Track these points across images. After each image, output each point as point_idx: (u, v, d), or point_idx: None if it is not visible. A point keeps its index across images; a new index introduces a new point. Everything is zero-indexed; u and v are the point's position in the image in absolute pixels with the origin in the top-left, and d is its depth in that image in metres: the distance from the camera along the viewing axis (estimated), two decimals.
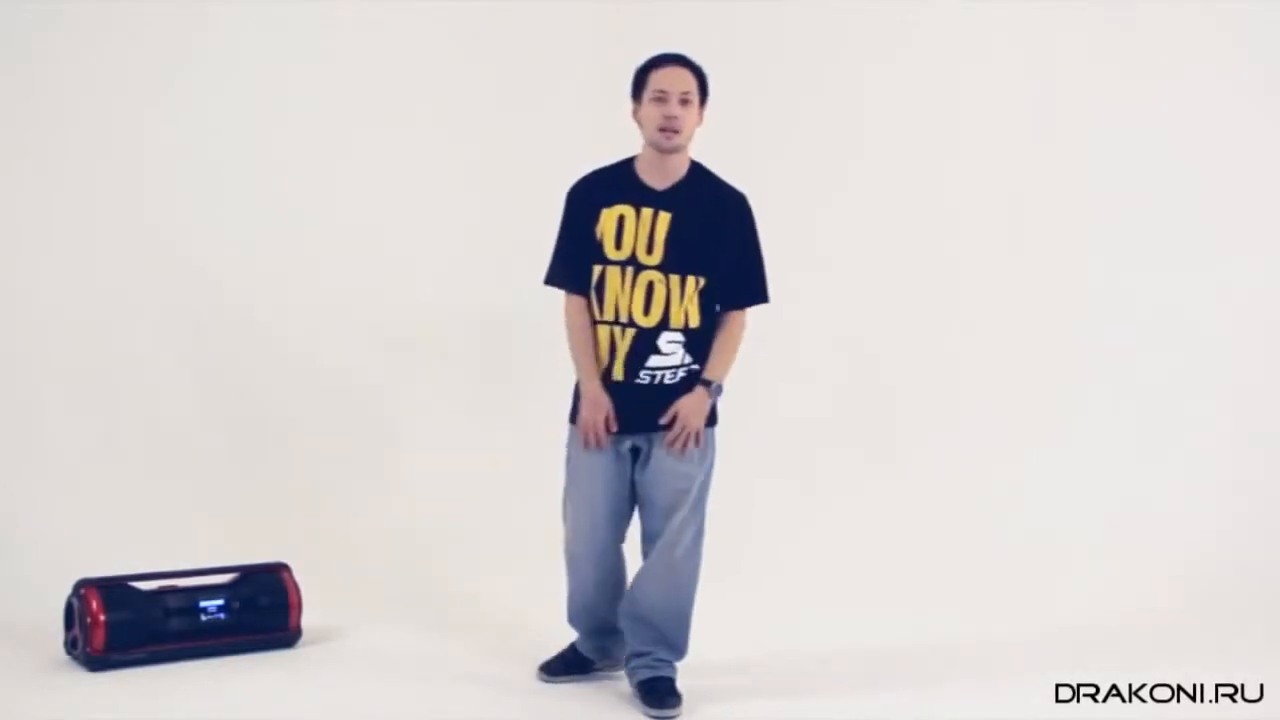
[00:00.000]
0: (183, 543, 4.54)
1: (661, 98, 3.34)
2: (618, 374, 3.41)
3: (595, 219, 3.41)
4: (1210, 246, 5.11)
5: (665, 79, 3.35)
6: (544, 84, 5.47)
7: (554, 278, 3.51)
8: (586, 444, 3.45)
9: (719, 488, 5.10)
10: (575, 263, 3.44)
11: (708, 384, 3.42)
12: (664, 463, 3.44)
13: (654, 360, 3.39)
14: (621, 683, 3.65)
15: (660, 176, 3.41)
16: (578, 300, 3.46)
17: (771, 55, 5.47)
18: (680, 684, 3.53)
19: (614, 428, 3.42)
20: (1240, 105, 5.08)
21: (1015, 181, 5.29)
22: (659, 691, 3.46)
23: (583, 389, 3.47)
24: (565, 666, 3.70)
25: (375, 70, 5.37)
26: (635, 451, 3.49)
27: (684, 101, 3.34)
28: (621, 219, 3.39)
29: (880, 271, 5.39)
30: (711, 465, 3.54)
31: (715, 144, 5.45)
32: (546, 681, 3.68)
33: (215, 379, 5.14)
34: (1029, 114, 5.28)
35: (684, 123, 3.34)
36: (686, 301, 3.38)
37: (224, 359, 5.15)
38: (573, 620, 3.70)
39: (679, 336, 3.40)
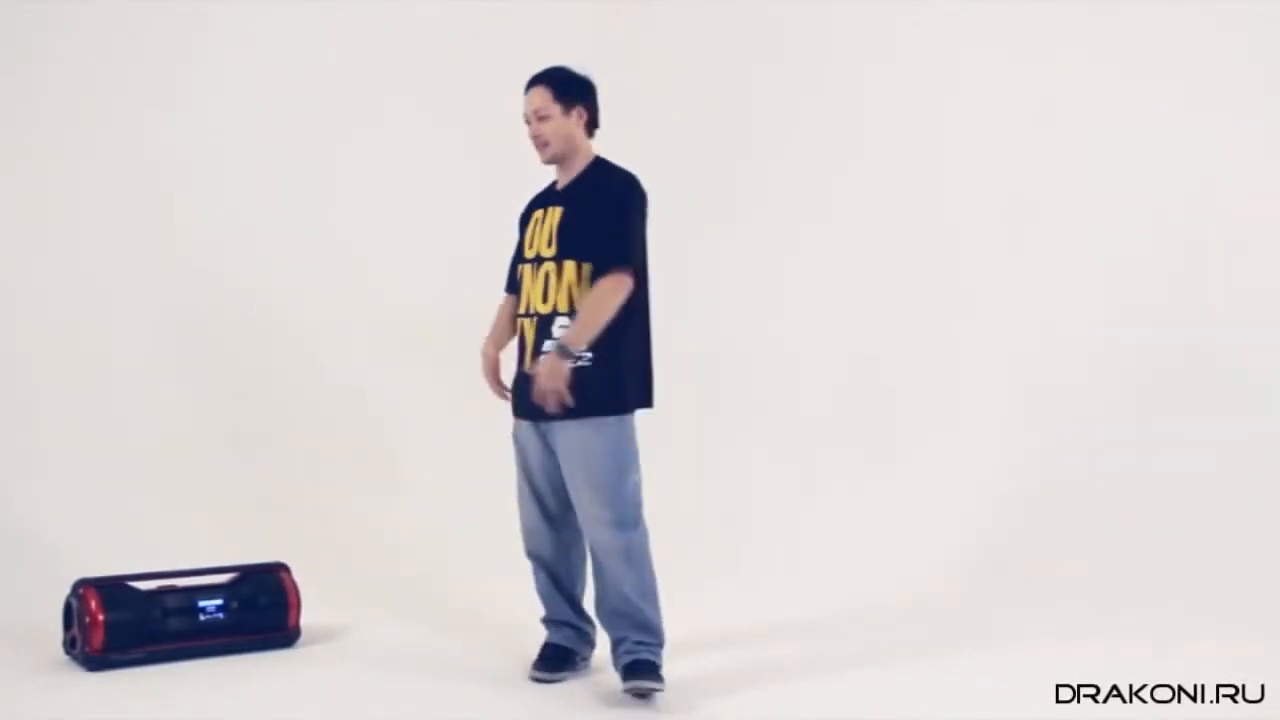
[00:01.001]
0: (182, 543, 4.54)
1: (525, 121, 3.66)
2: (527, 362, 3.62)
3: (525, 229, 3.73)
4: (1210, 246, 5.10)
5: (523, 106, 3.65)
6: None
7: (507, 286, 3.87)
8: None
9: (720, 486, 5.13)
10: (512, 269, 3.82)
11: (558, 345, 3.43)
12: (560, 447, 3.56)
13: (548, 345, 3.52)
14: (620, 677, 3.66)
15: (564, 179, 3.70)
16: (509, 297, 3.84)
17: (771, 55, 5.47)
18: (665, 670, 3.55)
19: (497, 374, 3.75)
20: (1240, 105, 5.08)
21: (1015, 182, 5.29)
22: (639, 669, 3.51)
23: None
24: (550, 665, 3.73)
25: (375, 72, 5.38)
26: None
27: (541, 118, 3.60)
28: (536, 222, 3.67)
29: (880, 271, 5.38)
30: (620, 454, 3.53)
31: (715, 144, 5.49)
32: (541, 682, 3.69)
33: (215, 379, 5.14)
34: (1028, 114, 5.27)
35: (547, 135, 3.60)
36: (579, 286, 3.51)
37: (224, 359, 5.16)
38: (545, 603, 3.79)
39: (568, 320, 3.50)
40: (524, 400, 3.59)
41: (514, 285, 3.76)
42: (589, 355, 3.44)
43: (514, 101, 3.56)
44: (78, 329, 4.98)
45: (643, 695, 3.48)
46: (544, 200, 3.69)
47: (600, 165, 3.66)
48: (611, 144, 3.67)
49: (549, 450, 3.62)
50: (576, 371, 3.40)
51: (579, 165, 3.64)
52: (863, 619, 4.35)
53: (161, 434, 5.00)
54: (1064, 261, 5.24)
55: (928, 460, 5.17)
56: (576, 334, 3.41)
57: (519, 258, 3.70)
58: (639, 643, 3.57)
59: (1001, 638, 4.17)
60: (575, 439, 3.50)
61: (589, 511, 3.53)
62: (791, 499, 5.15)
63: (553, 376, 3.38)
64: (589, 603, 3.80)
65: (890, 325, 5.35)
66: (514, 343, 3.73)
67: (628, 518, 3.53)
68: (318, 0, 5.32)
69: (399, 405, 5.36)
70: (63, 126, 4.99)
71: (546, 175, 3.80)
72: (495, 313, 3.87)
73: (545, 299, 3.55)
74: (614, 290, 3.44)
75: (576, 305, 3.48)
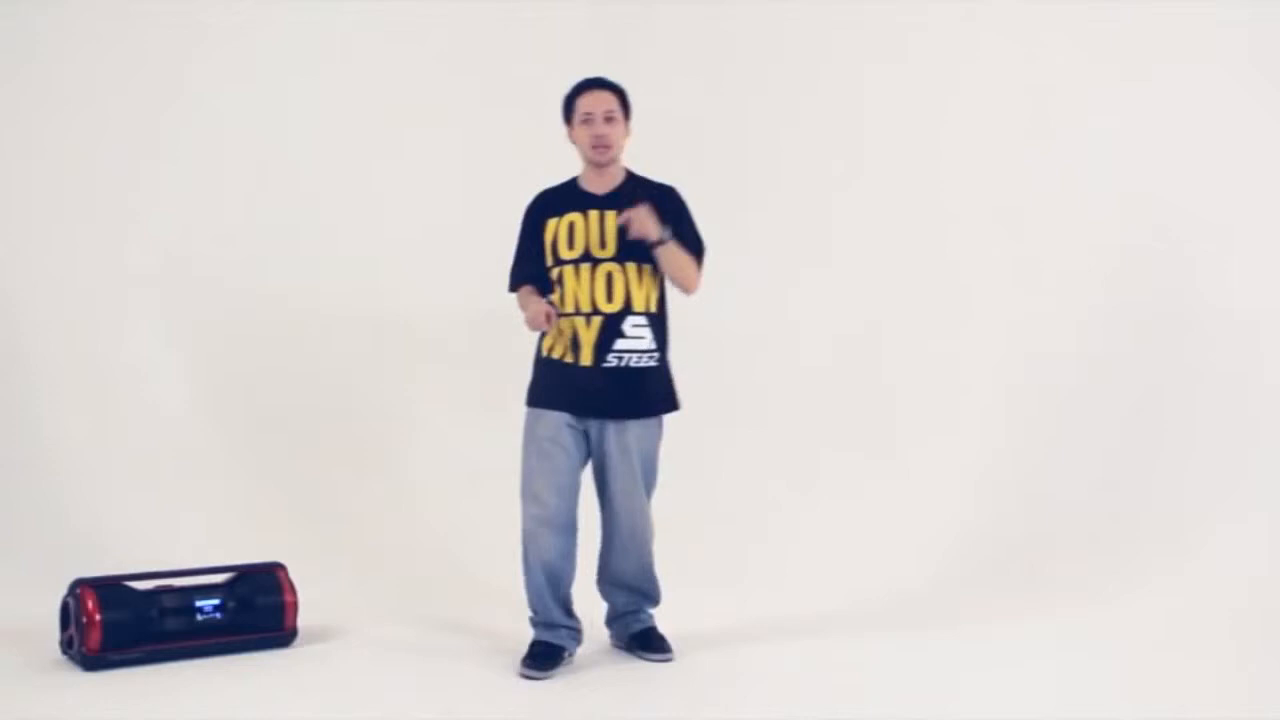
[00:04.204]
0: (180, 542, 4.54)
1: (588, 119, 3.72)
2: (585, 359, 3.68)
3: (544, 227, 3.76)
4: (1210, 245, 5.09)
5: (589, 102, 3.73)
6: (544, 87, 5.45)
7: (515, 282, 3.85)
8: (541, 324, 3.63)
9: (719, 486, 5.14)
10: (529, 264, 3.81)
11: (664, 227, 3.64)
12: (626, 443, 3.73)
13: (620, 344, 3.69)
14: (619, 673, 3.66)
15: (600, 185, 3.79)
16: (529, 287, 3.81)
17: (771, 55, 5.47)
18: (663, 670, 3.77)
19: (553, 310, 3.64)
20: (1240, 105, 5.07)
21: (1015, 181, 5.27)
22: (655, 639, 3.87)
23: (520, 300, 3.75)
24: (540, 662, 3.73)
25: (377, 74, 5.37)
26: (587, 436, 3.76)
27: (609, 119, 3.72)
28: (572, 224, 3.73)
29: (881, 271, 5.38)
30: (659, 445, 3.85)
31: (715, 145, 5.48)
32: (531, 679, 3.68)
33: (214, 379, 5.14)
34: (1027, 114, 5.26)
35: (613, 139, 3.73)
36: (646, 287, 3.71)
37: (224, 359, 5.15)
38: (538, 604, 3.80)
39: (643, 320, 3.72)
40: (594, 398, 3.68)
41: (529, 279, 3.78)
42: (668, 237, 3.62)
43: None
44: (78, 328, 4.98)
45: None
46: (575, 204, 3.74)
47: (637, 177, 3.80)
48: None
49: (585, 439, 3.73)
50: (650, 372, 3.70)
51: (618, 175, 3.79)
52: (862, 619, 4.34)
53: (159, 434, 4.99)
54: (1060, 263, 5.22)
55: (928, 460, 5.16)
56: (675, 248, 3.64)
57: (554, 259, 3.71)
58: (646, 614, 3.92)
59: (1003, 638, 4.16)
60: (639, 433, 3.73)
61: (638, 497, 3.76)
62: (791, 499, 5.14)
63: (646, 220, 3.58)
64: (588, 598, 3.85)
65: (890, 325, 5.34)
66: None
67: (651, 497, 3.85)
68: (321, 7, 5.31)
69: (399, 405, 5.35)
70: (64, 127, 4.99)
71: (547, 178, 3.82)
72: (521, 301, 3.77)
73: (610, 298, 3.67)
74: (697, 269, 3.74)
75: (644, 305, 3.68)
